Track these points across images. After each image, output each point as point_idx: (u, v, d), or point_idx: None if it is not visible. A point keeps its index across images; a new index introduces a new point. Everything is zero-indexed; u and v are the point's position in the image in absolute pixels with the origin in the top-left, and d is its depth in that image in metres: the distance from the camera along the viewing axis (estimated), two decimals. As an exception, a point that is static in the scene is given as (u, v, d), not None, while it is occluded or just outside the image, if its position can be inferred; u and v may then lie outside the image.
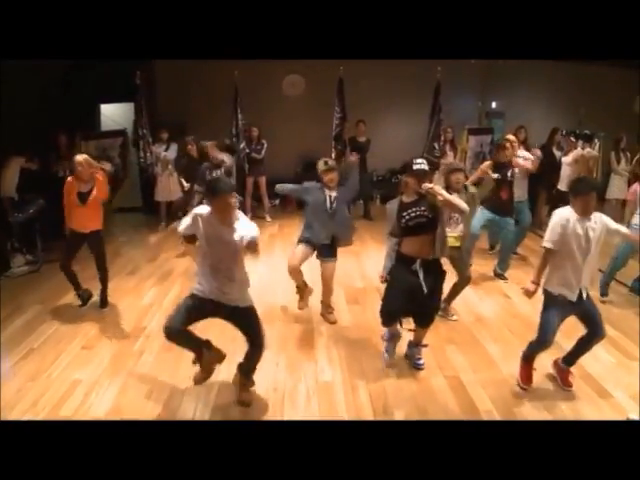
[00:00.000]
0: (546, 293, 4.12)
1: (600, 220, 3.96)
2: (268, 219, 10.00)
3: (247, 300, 3.94)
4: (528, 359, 4.34)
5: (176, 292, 6.34)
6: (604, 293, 6.21)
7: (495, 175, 6.48)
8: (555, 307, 4.05)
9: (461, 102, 10.94)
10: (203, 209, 3.73)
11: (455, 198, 4.23)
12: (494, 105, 11.93)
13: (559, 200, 8.36)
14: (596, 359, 4.74)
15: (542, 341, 4.13)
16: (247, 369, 4.11)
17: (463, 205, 4.20)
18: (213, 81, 10.34)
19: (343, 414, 3.96)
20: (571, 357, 4.30)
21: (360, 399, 4.15)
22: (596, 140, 9.12)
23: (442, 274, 4.42)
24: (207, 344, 4.03)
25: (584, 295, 4.05)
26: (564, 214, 3.95)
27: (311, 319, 5.61)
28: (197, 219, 3.69)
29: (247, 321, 3.94)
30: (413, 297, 4.28)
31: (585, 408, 4.04)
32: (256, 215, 9.77)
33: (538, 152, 7.75)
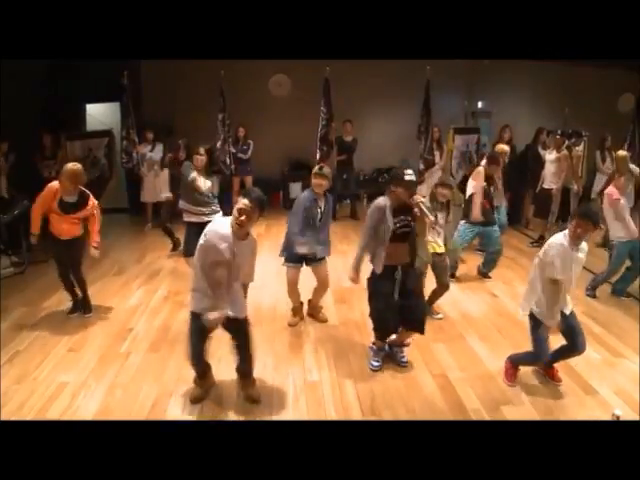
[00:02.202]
0: (532, 316, 4.17)
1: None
2: (255, 219, 9.94)
3: (244, 311, 3.95)
4: (516, 363, 4.40)
5: (163, 293, 6.32)
6: (592, 294, 6.31)
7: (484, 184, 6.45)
8: (543, 325, 4.12)
9: (447, 102, 10.96)
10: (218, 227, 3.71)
11: (429, 216, 4.23)
12: (480, 105, 11.98)
13: (543, 199, 8.46)
14: (582, 356, 4.76)
15: (538, 359, 4.24)
16: (244, 372, 4.14)
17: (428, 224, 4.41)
18: (199, 81, 10.30)
19: (331, 414, 3.96)
20: (550, 361, 4.38)
21: (348, 399, 4.16)
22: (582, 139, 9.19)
23: (420, 277, 4.48)
24: (210, 373, 4.19)
25: (567, 311, 4.15)
26: (559, 242, 3.96)
27: (305, 319, 5.62)
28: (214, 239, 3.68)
29: (242, 331, 3.97)
30: (400, 306, 4.32)
31: (571, 404, 4.08)
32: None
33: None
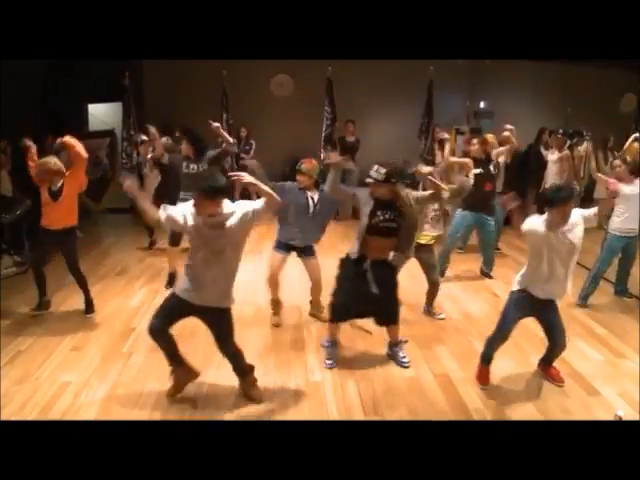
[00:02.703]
0: (511, 293, 4.17)
1: (575, 221, 3.92)
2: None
3: (229, 301, 3.92)
4: (486, 358, 4.34)
5: (165, 293, 6.31)
6: (584, 304, 6.05)
7: (477, 170, 6.39)
8: (515, 305, 4.10)
9: (449, 102, 10.96)
10: (189, 207, 3.69)
11: (441, 186, 4.32)
12: (482, 105, 11.97)
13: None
14: (584, 357, 4.78)
15: (500, 333, 4.18)
16: (240, 371, 4.13)
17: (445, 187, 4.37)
18: (201, 81, 10.32)
19: (333, 414, 3.96)
20: (545, 359, 4.40)
21: (350, 399, 4.15)
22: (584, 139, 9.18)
23: (393, 271, 4.42)
24: (180, 359, 4.06)
25: (553, 301, 4.08)
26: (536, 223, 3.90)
27: (300, 319, 5.60)
28: (184, 217, 3.69)
29: (222, 322, 3.93)
30: (364, 297, 4.33)
31: (574, 406, 4.06)
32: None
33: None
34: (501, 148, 6.84)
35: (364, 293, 4.31)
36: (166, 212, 3.75)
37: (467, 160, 6.53)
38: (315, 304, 5.62)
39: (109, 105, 10.38)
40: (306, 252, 5.33)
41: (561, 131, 8.67)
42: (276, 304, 5.56)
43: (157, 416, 3.90)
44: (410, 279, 5.59)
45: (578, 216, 3.97)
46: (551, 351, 4.30)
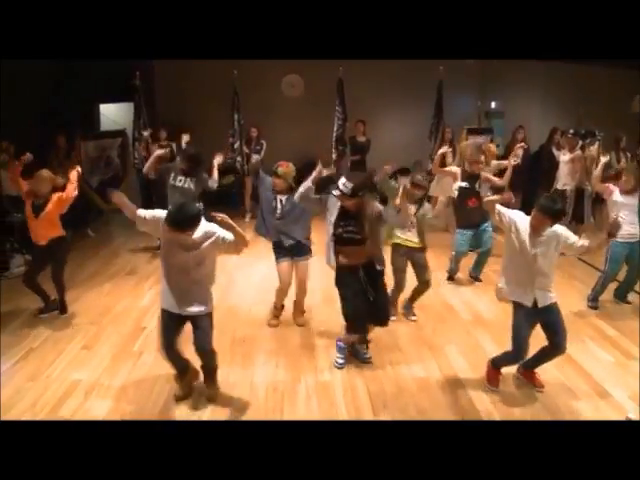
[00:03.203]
0: (513, 302, 4.12)
1: (552, 234, 3.88)
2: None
3: (208, 307, 3.97)
4: (496, 366, 4.31)
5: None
6: (594, 305, 5.97)
7: (463, 184, 6.34)
8: (520, 315, 4.05)
9: (460, 102, 10.92)
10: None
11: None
12: (493, 105, 11.92)
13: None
14: (595, 359, 4.74)
15: (517, 356, 4.11)
16: (208, 371, 4.15)
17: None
18: (212, 81, 10.34)
19: (343, 414, 3.96)
20: (531, 363, 4.28)
21: (359, 399, 4.15)
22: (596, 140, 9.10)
23: (380, 272, 4.46)
24: (189, 365, 4.13)
25: (539, 303, 3.99)
26: (521, 219, 3.91)
27: (310, 319, 5.61)
28: (159, 223, 3.73)
29: (202, 325, 3.94)
30: (366, 300, 4.37)
31: (584, 408, 4.04)
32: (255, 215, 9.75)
33: (519, 152, 7.23)
34: (503, 162, 6.82)
35: (366, 299, 4.37)
36: (147, 214, 3.81)
37: (455, 171, 6.55)
38: (298, 305, 5.59)
39: (120, 105, 10.42)
40: (298, 253, 5.29)
41: (572, 131, 8.59)
42: (278, 309, 5.57)
43: (167, 416, 3.92)
44: (413, 280, 5.55)
45: (561, 234, 3.92)
46: (547, 354, 4.17)
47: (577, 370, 4.51)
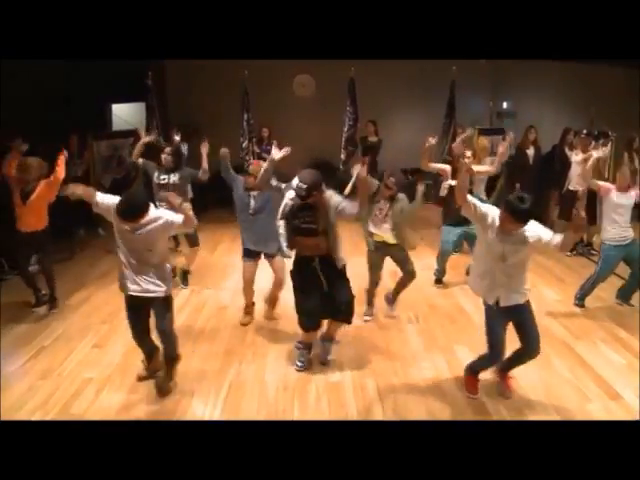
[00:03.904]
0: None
1: (524, 233, 3.65)
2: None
3: (164, 290, 4.05)
4: (473, 371, 4.24)
5: (186, 290, 6.35)
6: (581, 304, 5.94)
7: (453, 182, 6.11)
8: (489, 313, 3.97)
9: (472, 102, 10.89)
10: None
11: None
12: (505, 105, 11.87)
13: (569, 200, 8.33)
14: (606, 360, 4.71)
15: (493, 358, 4.02)
16: (169, 355, 4.19)
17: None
18: (223, 81, 10.37)
19: (353, 414, 3.96)
20: (505, 365, 4.19)
21: (369, 399, 4.15)
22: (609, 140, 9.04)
23: (341, 268, 4.40)
24: (157, 351, 4.32)
25: (501, 302, 3.85)
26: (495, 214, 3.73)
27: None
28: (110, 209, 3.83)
29: (160, 305, 4.06)
30: (321, 294, 4.34)
31: (595, 409, 4.01)
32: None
33: (505, 143, 6.94)
34: (482, 169, 6.70)
35: (321, 291, 4.34)
36: (101, 200, 3.90)
37: (446, 168, 6.51)
38: (272, 301, 5.61)
39: (132, 105, 10.46)
40: (272, 249, 5.29)
41: (586, 132, 8.54)
42: (249, 308, 5.61)
43: (178, 415, 3.93)
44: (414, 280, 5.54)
45: (533, 234, 3.67)
46: (519, 357, 4.05)
47: (588, 371, 4.48)
